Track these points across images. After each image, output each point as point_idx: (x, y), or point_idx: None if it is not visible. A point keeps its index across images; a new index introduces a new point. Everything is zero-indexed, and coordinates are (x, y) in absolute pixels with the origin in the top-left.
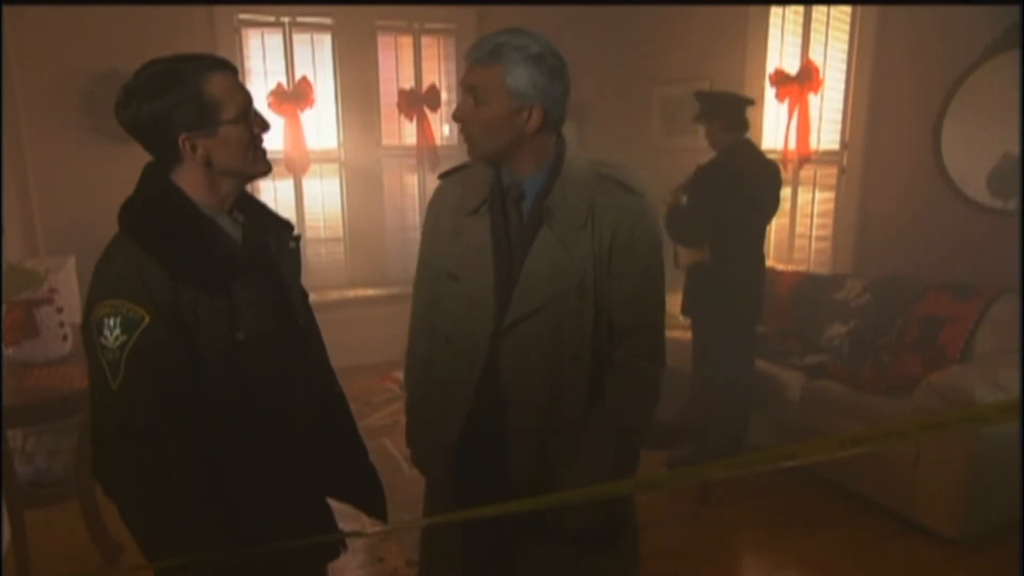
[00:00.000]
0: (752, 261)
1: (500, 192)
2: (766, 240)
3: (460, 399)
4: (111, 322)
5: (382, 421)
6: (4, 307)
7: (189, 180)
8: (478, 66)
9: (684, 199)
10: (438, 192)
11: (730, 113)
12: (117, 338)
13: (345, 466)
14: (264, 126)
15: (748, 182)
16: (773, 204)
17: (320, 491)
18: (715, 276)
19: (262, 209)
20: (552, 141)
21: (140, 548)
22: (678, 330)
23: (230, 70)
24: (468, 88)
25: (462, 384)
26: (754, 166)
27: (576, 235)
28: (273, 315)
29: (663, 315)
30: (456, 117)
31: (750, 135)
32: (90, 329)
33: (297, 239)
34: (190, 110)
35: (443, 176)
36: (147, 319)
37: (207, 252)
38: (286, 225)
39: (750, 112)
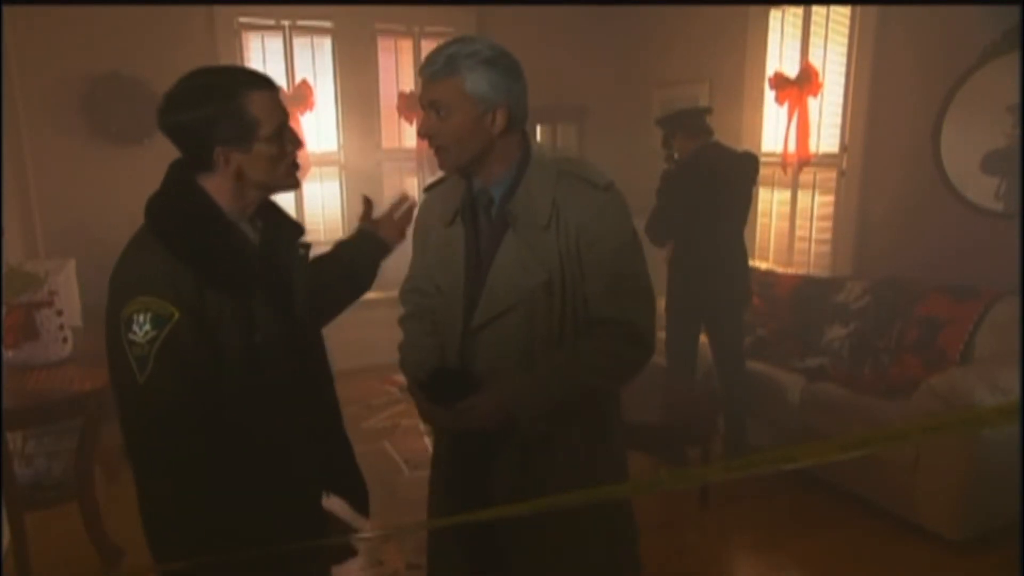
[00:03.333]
0: (729, 256)
1: (471, 200)
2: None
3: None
4: (141, 318)
5: (382, 424)
6: (4, 309)
7: (217, 186)
8: (435, 81)
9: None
10: (423, 205)
11: (688, 124)
12: (147, 333)
13: (333, 465)
14: (297, 144)
15: (712, 178)
16: (746, 196)
17: (315, 492)
18: (691, 272)
19: (279, 214)
20: (517, 141)
21: (150, 539)
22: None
23: (272, 88)
24: (429, 103)
25: None
26: (720, 163)
27: (540, 235)
28: (286, 318)
29: (648, 309)
30: (421, 134)
31: (753, 139)
32: (117, 325)
33: (307, 247)
34: (229, 126)
35: (427, 189)
36: (176, 315)
37: (232, 259)
38: (299, 230)
39: (748, 114)
